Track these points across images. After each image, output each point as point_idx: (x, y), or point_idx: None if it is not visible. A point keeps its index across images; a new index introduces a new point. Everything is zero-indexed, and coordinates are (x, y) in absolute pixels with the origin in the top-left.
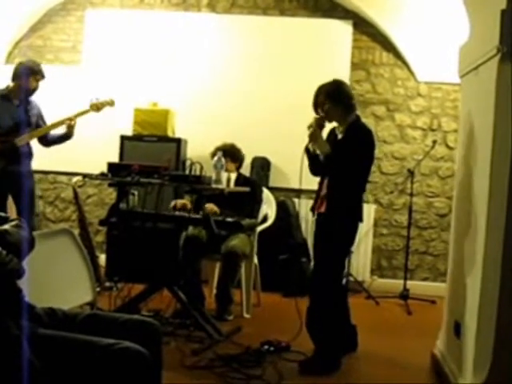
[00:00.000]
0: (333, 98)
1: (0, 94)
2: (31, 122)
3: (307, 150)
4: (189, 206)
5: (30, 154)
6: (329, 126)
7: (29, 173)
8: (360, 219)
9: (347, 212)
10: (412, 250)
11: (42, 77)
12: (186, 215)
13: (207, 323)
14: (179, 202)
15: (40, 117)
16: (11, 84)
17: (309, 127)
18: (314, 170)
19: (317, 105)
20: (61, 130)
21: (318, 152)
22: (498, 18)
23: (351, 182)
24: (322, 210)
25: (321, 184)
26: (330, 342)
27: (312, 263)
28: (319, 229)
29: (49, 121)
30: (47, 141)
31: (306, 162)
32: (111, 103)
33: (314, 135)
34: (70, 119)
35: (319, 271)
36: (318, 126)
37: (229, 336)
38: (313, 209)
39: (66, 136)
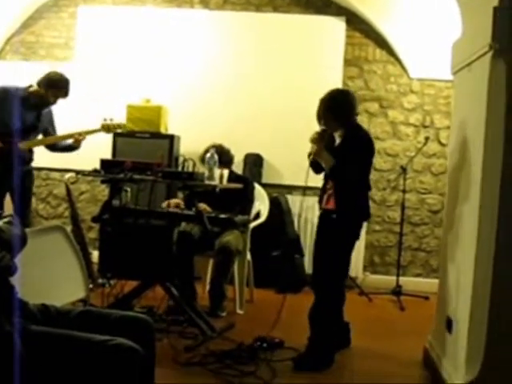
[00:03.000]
0: (332, 111)
1: (21, 95)
2: (39, 128)
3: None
4: (182, 205)
5: (30, 159)
6: None
7: (28, 171)
8: (368, 216)
9: (356, 209)
10: (405, 247)
11: (65, 95)
12: (178, 211)
13: (200, 319)
14: (172, 201)
15: (50, 123)
16: (34, 87)
17: (311, 141)
18: (316, 170)
19: (319, 117)
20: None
21: (322, 164)
22: (490, 14)
23: (358, 181)
24: (329, 206)
25: (326, 179)
26: (325, 337)
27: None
28: (325, 225)
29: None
30: (54, 148)
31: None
32: (123, 127)
33: (318, 152)
34: (80, 134)
35: (326, 268)
36: (320, 139)
37: (222, 332)
38: (320, 201)
39: (73, 148)
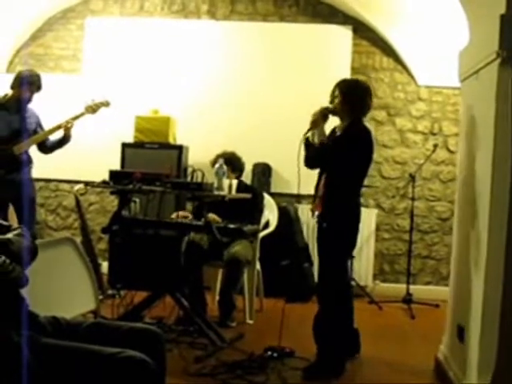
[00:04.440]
0: (344, 94)
1: (1, 103)
2: (29, 130)
3: (306, 141)
4: (190, 217)
5: (29, 162)
6: (331, 125)
7: (29, 180)
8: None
9: (343, 212)
10: (414, 255)
11: (38, 88)
12: (187, 222)
13: (210, 330)
14: (181, 213)
15: (38, 124)
16: (9, 93)
17: (313, 115)
18: (309, 161)
19: (333, 97)
20: (59, 135)
21: (315, 139)
22: (497, 22)
23: (346, 180)
24: (319, 209)
25: (318, 184)
26: (335, 346)
27: (315, 267)
28: (320, 233)
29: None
30: (46, 147)
31: (304, 170)
32: (106, 104)
33: (316, 122)
34: (67, 122)
35: (323, 274)
36: (321, 115)
37: (232, 342)
38: (313, 210)
39: (64, 140)
